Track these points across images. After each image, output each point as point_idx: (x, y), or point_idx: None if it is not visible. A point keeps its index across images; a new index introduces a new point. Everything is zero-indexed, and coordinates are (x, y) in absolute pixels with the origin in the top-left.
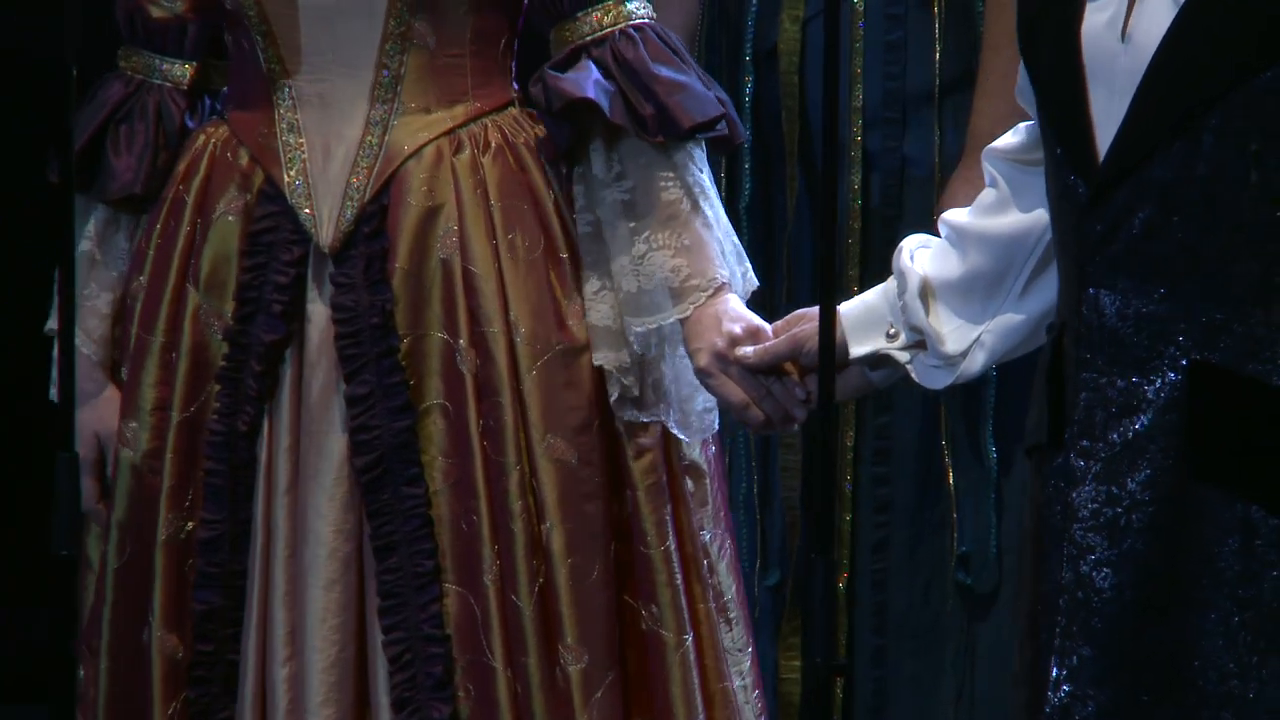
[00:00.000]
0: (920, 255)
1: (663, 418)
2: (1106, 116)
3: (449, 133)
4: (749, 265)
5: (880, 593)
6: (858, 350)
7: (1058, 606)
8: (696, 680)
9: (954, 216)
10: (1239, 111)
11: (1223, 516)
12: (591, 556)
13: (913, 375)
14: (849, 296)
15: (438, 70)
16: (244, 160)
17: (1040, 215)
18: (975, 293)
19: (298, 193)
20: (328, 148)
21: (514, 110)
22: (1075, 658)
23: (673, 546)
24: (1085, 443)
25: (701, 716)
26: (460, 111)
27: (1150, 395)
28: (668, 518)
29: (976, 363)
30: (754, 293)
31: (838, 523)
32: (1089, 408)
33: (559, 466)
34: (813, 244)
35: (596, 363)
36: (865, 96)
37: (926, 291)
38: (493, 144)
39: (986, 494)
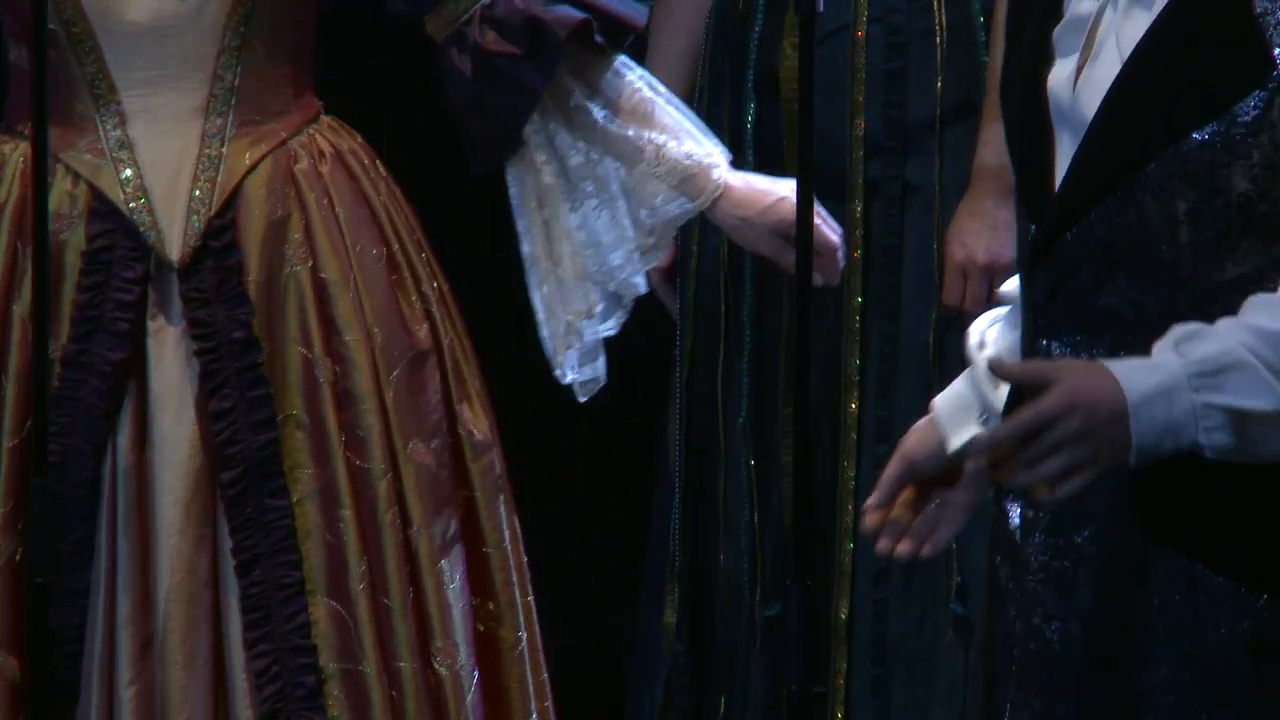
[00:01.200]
0: (990, 335)
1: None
2: (1063, 168)
3: (283, 144)
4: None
5: (881, 623)
6: (956, 441)
7: (1012, 656)
8: (530, 677)
9: (1013, 289)
10: (1172, 171)
11: (1169, 572)
12: (454, 559)
13: None
14: (849, 324)
15: (266, 82)
16: (66, 178)
17: None
18: None
19: (137, 209)
20: (164, 163)
21: (326, 119)
22: (1028, 710)
23: (507, 546)
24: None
25: (535, 714)
26: (287, 123)
27: None
28: (502, 517)
29: None
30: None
31: (837, 553)
32: None
33: (422, 472)
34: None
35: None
36: (866, 125)
37: None
38: (327, 153)
39: (982, 524)
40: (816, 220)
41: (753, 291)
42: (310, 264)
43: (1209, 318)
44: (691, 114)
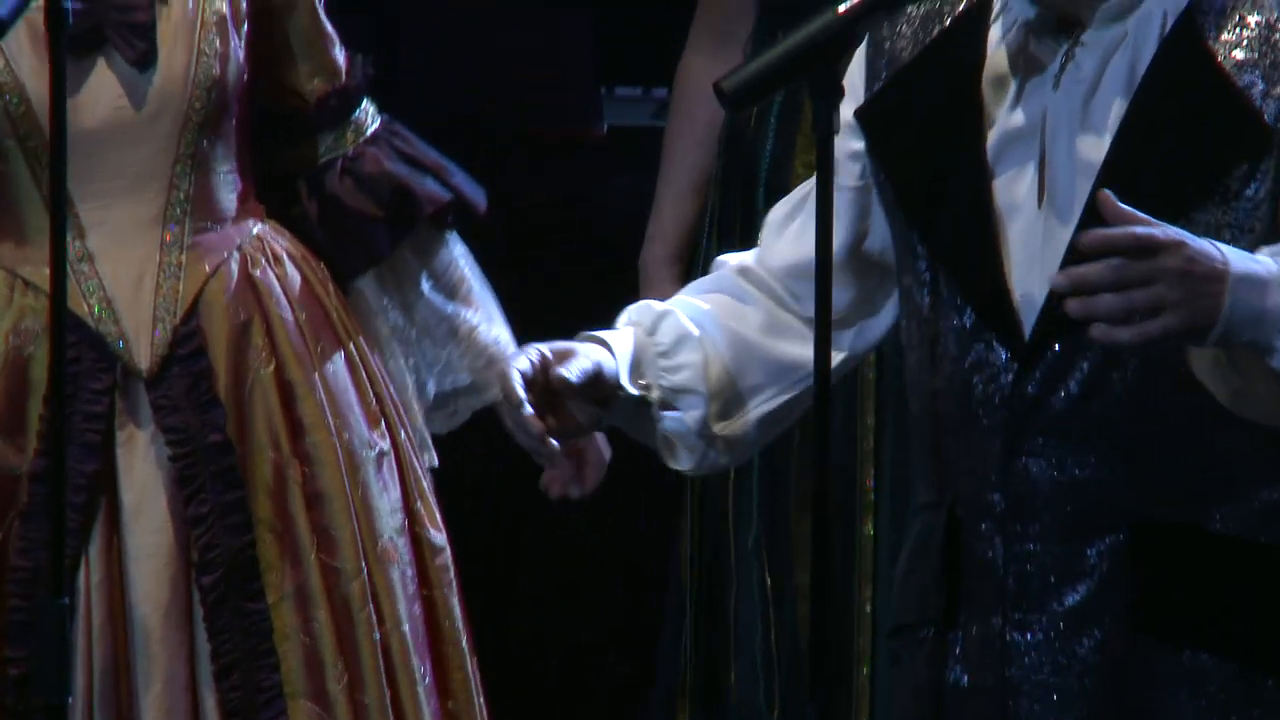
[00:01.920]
0: (690, 324)
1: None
2: (1030, 283)
3: (237, 248)
4: None
5: None
6: (630, 387)
7: None
8: None
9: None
10: None
11: (1172, 670)
12: (424, 658)
13: (657, 441)
14: (862, 446)
15: (217, 188)
16: (26, 294)
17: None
18: (742, 375)
19: (104, 321)
20: (126, 274)
21: (270, 222)
22: None
23: (465, 644)
24: (1018, 614)
25: None
26: (237, 227)
27: (1093, 559)
28: (458, 615)
29: (714, 459)
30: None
31: (854, 674)
32: (1022, 579)
33: (392, 570)
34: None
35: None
36: None
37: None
38: (280, 256)
39: None
40: (599, 436)
41: None
42: (274, 366)
43: (1201, 409)
44: (495, 300)
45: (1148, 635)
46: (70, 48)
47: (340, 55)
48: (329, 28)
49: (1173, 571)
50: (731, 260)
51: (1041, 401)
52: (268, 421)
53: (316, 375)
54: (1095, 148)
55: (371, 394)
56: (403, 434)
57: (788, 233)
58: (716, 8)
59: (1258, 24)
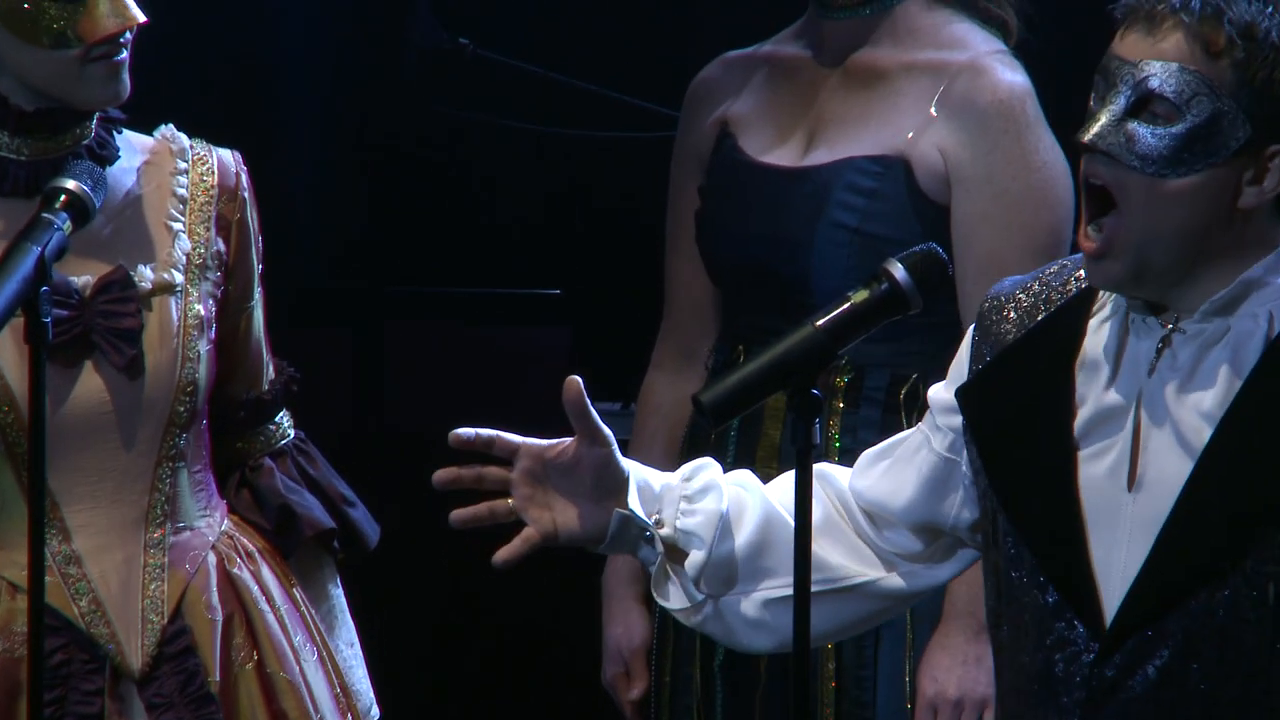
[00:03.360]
0: (723, 482)
1: None
2: (1111, 564)
3: (212, 546)
4: None
5: None
6: (632, 503)
7: None
8: None
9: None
10: (1262, 557)
11: None
12: None
13: (654, 571)
14: None
15: (191, 486)
16: (14, 597)
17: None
18: (765, 553)
19: (95, 622)
20: (112, 575)
21: (233, 517)
22: None
23: None
24: None
25: None
26: (208, 524)
27: None
28: None
29: (708, 618)
30: None
31: None
32: None
33: None
34: (785, 699)
35: None
36: None
37: (726, 504)
38: (253, 552)
39: None
40: None
41: None
42: (255, 661)
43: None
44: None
45: None
46: (60, 355)
47: (267, 365)
48: (262, 336)
49: None
50: (821, 466)
51: (1119, 684)
52: (251, 716)
53: (296, 669)
54: (1196, 433)
55: (339, 686)
56: None
57: (876, 470)
58: (679, 327)
59: None
